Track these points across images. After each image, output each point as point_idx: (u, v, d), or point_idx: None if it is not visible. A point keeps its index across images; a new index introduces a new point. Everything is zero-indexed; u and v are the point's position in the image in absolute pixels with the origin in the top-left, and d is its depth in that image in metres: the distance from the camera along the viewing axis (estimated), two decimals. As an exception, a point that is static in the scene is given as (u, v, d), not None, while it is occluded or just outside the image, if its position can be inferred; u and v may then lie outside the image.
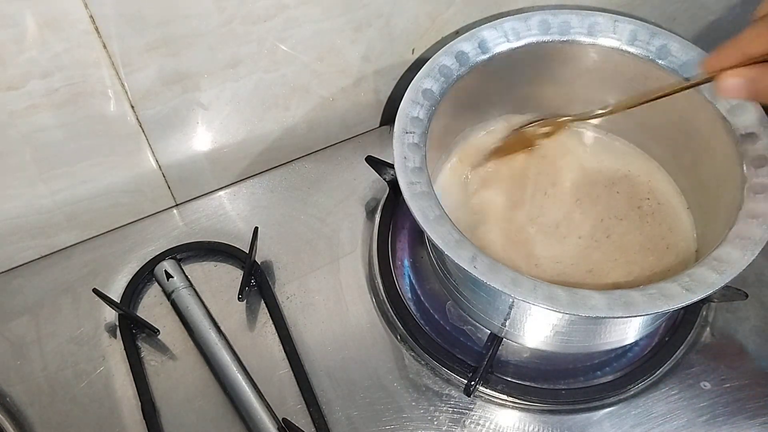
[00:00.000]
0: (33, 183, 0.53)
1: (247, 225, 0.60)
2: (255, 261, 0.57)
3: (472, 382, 0.51)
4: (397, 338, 0.55)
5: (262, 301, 0.56)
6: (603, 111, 0.54)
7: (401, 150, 0.48)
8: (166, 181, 0.60)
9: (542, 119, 0.58)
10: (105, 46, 0.47)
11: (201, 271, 0.58)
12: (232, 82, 0.55)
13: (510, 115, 0.60)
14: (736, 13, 0.71)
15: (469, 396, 0.52)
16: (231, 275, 0.58)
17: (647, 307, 0.42)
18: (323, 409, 0.51)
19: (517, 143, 0.58)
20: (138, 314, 0.55)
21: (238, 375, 0.52)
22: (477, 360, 0.53)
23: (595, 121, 0.59)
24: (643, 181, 0.57)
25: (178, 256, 0.58)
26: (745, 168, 0.48)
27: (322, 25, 0.54)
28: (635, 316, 0.43)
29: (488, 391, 0.52)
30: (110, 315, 0.56)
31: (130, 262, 0.58)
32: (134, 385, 0.52)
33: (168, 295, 0.56)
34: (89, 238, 0.60)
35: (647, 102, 0.49)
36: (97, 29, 0.46)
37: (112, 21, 0.46)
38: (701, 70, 0.42)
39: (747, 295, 0.52)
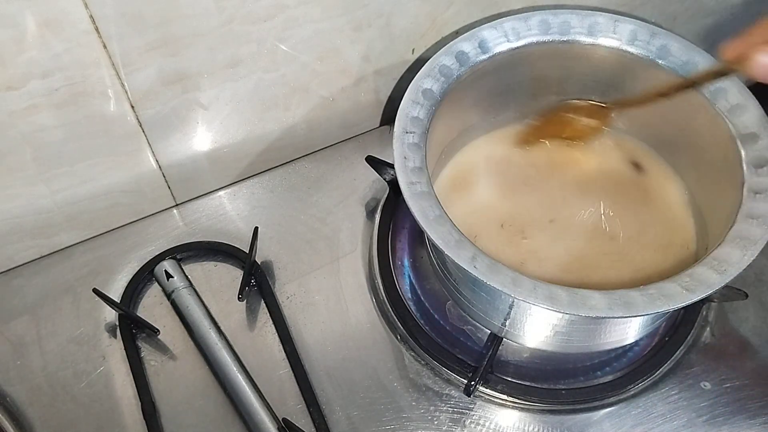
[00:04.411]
0: (33, 183, 0.53)
1: (247, 225, 0.60)
2: (255, 261, 0.57)
3: (472, 382, 0.51)
4: (397, 338, 0.55)
5: (262, 301, 0.56)
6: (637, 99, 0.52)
7: (401, 150, 0.48)
8: (166, 181, 0.60)
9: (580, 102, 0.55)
10: (105, 46, 0.47)
11: (201, 271, 0.58)
12: (231, 82, 0.55)
13: (509, 116, 0.60)
14: (737, 12, 0.71)
15: (469, 396, 0.52)
16: (231, 275, 0.58)
17: (647, 307, 0.42)
18: (323, 409, 0.51)
19: (553, 127, 0.56)
20: (138, 314, 0.55)
21: (238, 375, 0.52)
22: (477, 360, 0.53)
23: (593, 121, 0.59)
24: (643, 181, 0.57)
25: (178, 256, 0.58)
26: (745, 168, 0.48)
27: (322, 25, 0.54)
28: (635, 316, 0.43)
29: (488, 391, 0.52)
30: (110, 315, 0.56)
31: (130, 262, 0.58)
32: (134, 385, 0.52)
33: (168, 295, 0.56)
34: (89, 238, 0.60)
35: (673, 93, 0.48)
36: (97, 29, 0.46)
37: (112, 21, 0.46)
38: (724, 59, 0.41)
39: (747, 295, 0.52)
